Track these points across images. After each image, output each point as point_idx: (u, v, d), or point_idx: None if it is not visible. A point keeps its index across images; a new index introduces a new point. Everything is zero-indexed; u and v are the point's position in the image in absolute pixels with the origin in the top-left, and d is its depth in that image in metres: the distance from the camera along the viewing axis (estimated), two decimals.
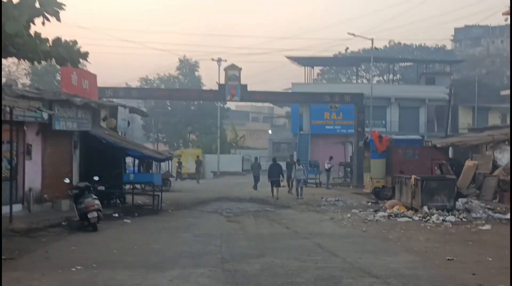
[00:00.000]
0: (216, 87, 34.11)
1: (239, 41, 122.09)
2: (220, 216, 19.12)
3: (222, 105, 58.45)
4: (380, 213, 18.95)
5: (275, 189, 27.20)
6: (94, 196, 14.61)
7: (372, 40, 33.91)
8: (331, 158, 33.49)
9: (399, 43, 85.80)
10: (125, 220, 16.77)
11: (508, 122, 35.76)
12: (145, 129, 65.23)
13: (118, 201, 20.73)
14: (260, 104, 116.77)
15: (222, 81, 34.06)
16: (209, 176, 48.07)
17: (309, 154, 51.23)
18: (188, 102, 64.38)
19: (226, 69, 33.80)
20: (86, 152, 19.74)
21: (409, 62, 62.99)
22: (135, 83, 65.28)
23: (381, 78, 75.91)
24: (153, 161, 24.02)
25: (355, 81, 65.43)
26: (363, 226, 16.30)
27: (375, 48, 33.63)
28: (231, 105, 75.35)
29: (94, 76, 21.06)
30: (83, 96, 18.88)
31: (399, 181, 21.90)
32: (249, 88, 33.34)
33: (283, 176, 27.82)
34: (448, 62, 58.71)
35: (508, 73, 49.28)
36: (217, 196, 26.42)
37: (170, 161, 32.16)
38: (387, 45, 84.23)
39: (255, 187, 30.65)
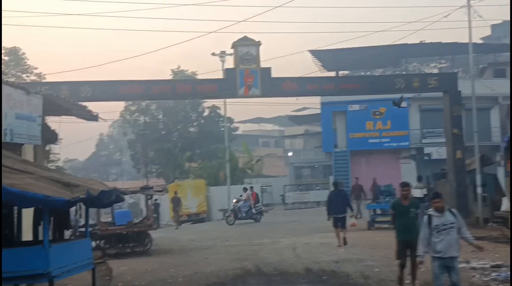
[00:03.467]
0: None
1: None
2: None
3: (229, 125, 45.32)
4: None
5: (341, 232, 15.68)
6: None
7: None
8: (420, 178, 19.92)
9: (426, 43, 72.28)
10: None
11: None
12: (134, 159, 52.05)
13: None
14: (270, 127, 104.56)
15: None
16: (217, 216, 34.73)
17: (350, 177, 37.84)
18: (186, 123, 51.52)
19: (235, 45, 20.97)
20: None
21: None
22: (119, 105, 52.48)
23: None
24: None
25: None
26: None
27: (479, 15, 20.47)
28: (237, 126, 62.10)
29: None
30: None
31: None
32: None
33: (352, 209, 16.56)
34: None
35: None
36: (237, 266, 13.05)
37: (149, 200, 19.02)
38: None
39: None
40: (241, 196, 27.77)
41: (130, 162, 59.02)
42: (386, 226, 20.15)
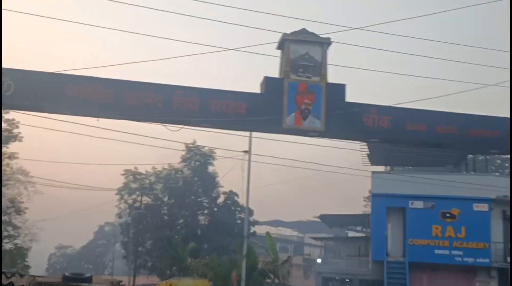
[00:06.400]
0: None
1: None
2: None
3: (250, 220, 35.43)
4: None
5: None
6: None
7: None
8: None
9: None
10: None
11: None
12: (125, 248, 42.11)
13: None
14: (289, 232, 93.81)
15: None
16: None
17: None
18: (195, 209, 41.96)
19: (285, 39, 12.06)
20: None
21: None
22: (118, 181, 43.54)
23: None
24: None
25: None
26: None
27: None
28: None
29: None
30: None
31: None
32: None
33: None
34: None
35: None
36: None
37: None
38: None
39: None
40: None
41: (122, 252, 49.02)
42: None
